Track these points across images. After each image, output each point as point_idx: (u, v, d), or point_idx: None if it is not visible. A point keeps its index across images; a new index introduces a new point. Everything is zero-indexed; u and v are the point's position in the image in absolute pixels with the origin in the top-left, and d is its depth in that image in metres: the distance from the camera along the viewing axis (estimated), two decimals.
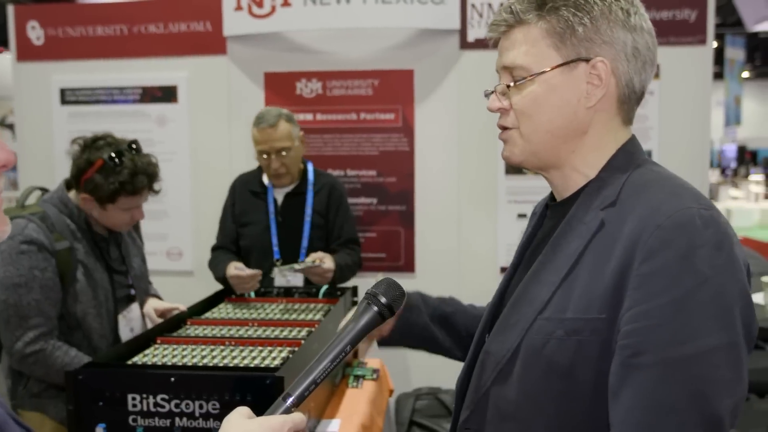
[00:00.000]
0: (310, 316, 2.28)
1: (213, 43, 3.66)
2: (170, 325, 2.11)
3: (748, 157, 15.51)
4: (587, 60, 1.06)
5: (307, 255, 2.78)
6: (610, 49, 1.07)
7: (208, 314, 2.32)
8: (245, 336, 2.02)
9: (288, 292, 2.59)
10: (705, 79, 3.49)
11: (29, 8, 3.96)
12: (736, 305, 0.93)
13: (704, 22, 3.44)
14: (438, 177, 3.62)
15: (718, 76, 11.78)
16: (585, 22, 1.05)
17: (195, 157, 3.74)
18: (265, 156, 2.74)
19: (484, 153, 3.50)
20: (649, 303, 0.93)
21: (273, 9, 3.45)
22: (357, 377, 2.33)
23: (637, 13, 1.09)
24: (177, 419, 1.58)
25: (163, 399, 1.58)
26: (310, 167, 2.93)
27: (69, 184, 2.16)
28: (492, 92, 1.15)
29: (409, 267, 3.63)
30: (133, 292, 2.31)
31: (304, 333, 2.05)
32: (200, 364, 1.75)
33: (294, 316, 2.29)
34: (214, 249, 2.91)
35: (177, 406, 1.58)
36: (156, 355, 1.84)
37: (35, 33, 3.80)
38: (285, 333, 2.07)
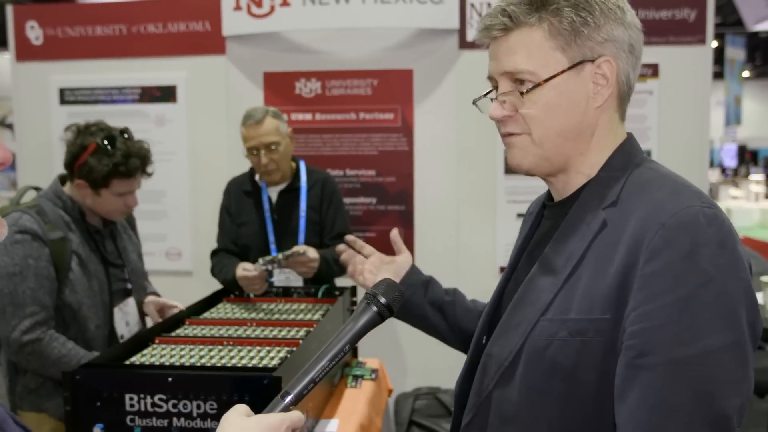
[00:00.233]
0: (308, 316, 2.27)
1: (212, 43, 3.66)
2: (168, 325, 2.11)
3: (748, 157, 15.51)
4: (592, 60, 1.05)
5: None
6: (611, 46, 1.06)
7: (206, 314, 2.32)
8: (243, 336, 2.01)
9: (287, 292, 2.59)
10: (704, 79, 3.49)
11: (28, 8, 3.96)
12: (740, 304, 0.93)
13: (704, 21, 3.44)
14: (437, 177, 3.62)
15: (718, 75, 11.77)
16: (588, 21, 1.04)
17: (194, 157, 3.74)
18: (254, 152, 2.75)
19: (484, 153, 3.50)
20: (654, 303, 0.92)
21: (272, 9, 3.45)
22: (356, 377, 2.32)
23: (627, 8, 1.09)
24: (175, 419, 1.58)
25: (160, 399, 1.58)
26: (302, 165, 2.93)
27: (63, 179, 2.21)
28: (481, 99, 1.14)
29: None
30: (129, 286, 2.32)
31: (302, 333, 2.05)
32: (198, 364, 1.75)
33: (292, 316, 2.29)
34: (215, 253, 2.88)
35: (175, 406, 1.57)
36: (154, 355, 1.83)
37: (34, 33, 3.80)
38: (283, 333, 2.06)
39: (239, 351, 1.86)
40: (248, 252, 2.79)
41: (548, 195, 1.21)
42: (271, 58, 3.63)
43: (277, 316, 2.28)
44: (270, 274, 2.55)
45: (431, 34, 3.53)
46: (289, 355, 1.80)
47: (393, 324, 4.08)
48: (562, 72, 1.05)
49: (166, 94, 3.73)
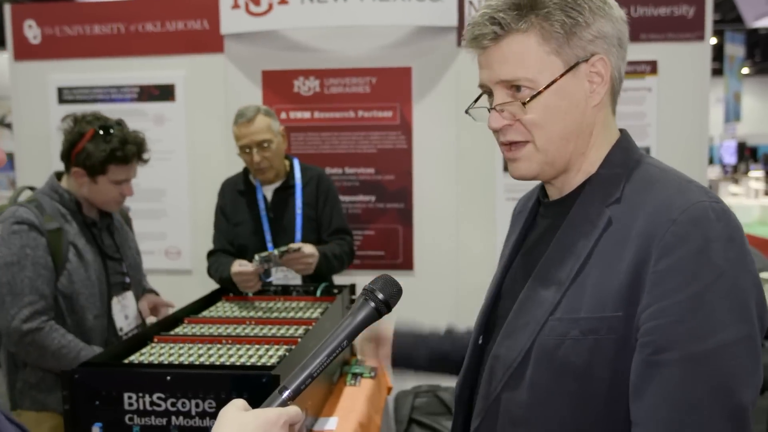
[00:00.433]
0: (307, 314, 2.27)
1: (210, 42, 3.65)
2: (167, 324, 2.11)
3: (747, 154, 15.51)
4: (586, 60, 1.05)
5: None
6: (602, 43, 1.06)
7: (205, 313, 2.32)
8: (242, 334, 2.01)
9: (285, 291, 2.59)
10: (703, 76, 3.48)
11: (26, 7, 3.95)
12: (751, 297, 0.94)
13: (702, 18, 3.43)
14: (436, 174, 3.61)
15: (718, 72, 11.76)
16: (579, 20, 1.03)
17: (193, 156, 3.74)
18: (247, 151, 2.75)
19: (483, 150, 3.49)
20: (668, 300, 0.93)
21: (270, 7, 3.45)
22: (355, 375, 2.33)
23: (612, 2, 1.08)
24: (173, 418, 1.58)
25: (159, 398, 1.58)
26: (296, 163, 2.93)
27: (59, 176, 2.25)
28: (475, 108, 1.12)
29: (407, 265, 3.63)
30: (127, 280, 2.34)
31: (301, 331, 2.05)
32: (197, 363, 1.75)
33: (291, 314, 2.29)
34: (211, 253, 2.87)
35: (173, 404, 1.57)
36: (153, 353, 1.84)
37: (32, 32, 3.80)
38: (282, 331, 2.06)
39: (238, 349, 1.86)
40: (245, 252, 2.79)
41: (542, 193, 1.20)
42: (270, 57, 3.63)
43: (276, 314, 2.29)
44: (267, 274, 2.54)
45: (430, 31, 3.52)
46: (288, 354, 1.80)
47: (392, 322, 4.06)
48: (561, 76, 1.04)
49: (164, 92, 3.72)
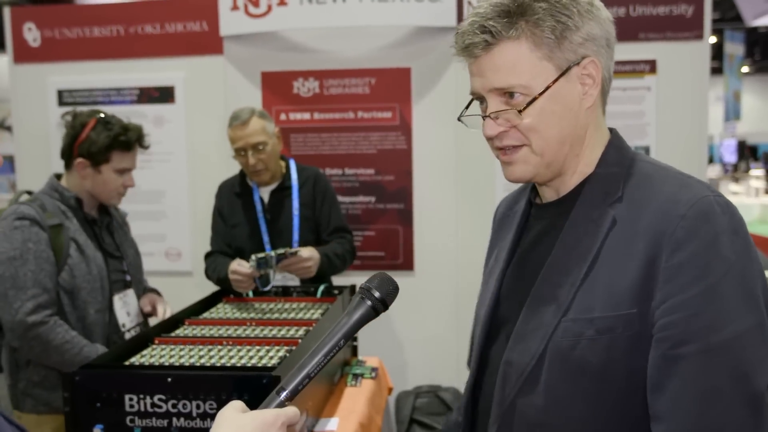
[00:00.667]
0: (307, 315, 2.27)
1: (210, 43, 3.66)
2: (168, 326, 2.11)
3: (747, 152, 15.50)
4: (577, 63, 1.06)
5: None
6: (592, 45, 1.06)
7: (206, 314, 2.32)
8: (243, 336, 2.02)
9: (286, 291, 2.59)
10: (702, 75, 3.48)
11: (26, 10, 3.96)
12: (757, 286, 0.97)
13: (701, 17, 3.43)
14: (436, 174, 3.62)
15: (718, 71, 11.77)
16: (569, 25, 1.04)
17: (193, 157, 3.74)
18: (242, 153, 2.75)
19: (482, 150, 3.48)
20: (684, 294, 0.95)
21: (269, 8, 3.45)
22: (355, 376, 2.32)
23: (597, 3, 1.08)
24: (174, 419, 1.58)
25: (160, 399, 1.58)
26: (292, 164, 2.93)
27: (59, 177, 2.29)
28: (468, 116, 1.14)
29: (407, 265, 3.63)
30: (128, 278, 2.37)
31: (301, 332, 2.05)
32: (198, 364, 1.75)
33: (291, 315, 2.29)
34: (209, 255, 2.87)
35: (174, 406, 1.58)
36: (154, 355, 1.84)
37: (32, 35, 3.80)
38: (282, 332, 2.07)
39: (238, 351, 1.86)
40: (243, 254, 2.80)
41: (533, 195, 1.21)
42: (269, 58, 3.63)
43: (276, 315, 2.29)
44: (266, 282, 2.54)
45: (429, 32, 3.53)
46: (288, 355, 1.80)
47: (392, 322, 4.08)
48: (555, 81, 1.05)
49: (164, 94, 3.73)
